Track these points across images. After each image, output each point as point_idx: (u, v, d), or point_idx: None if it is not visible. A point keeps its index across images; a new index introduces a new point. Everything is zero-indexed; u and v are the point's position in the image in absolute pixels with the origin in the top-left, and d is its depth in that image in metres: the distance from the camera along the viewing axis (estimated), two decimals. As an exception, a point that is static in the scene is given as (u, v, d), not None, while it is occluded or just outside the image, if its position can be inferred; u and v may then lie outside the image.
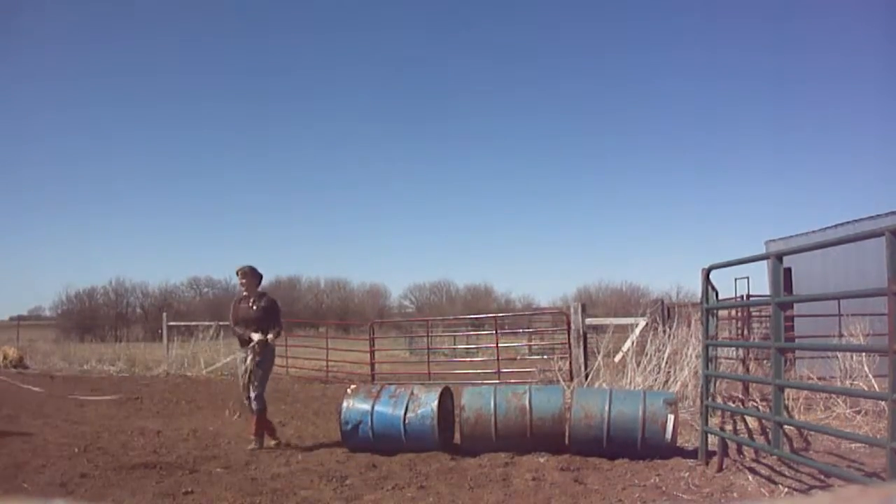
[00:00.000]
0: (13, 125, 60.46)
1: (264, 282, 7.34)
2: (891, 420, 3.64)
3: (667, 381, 8.90)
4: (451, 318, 30.16)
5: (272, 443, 6.83)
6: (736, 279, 13.89)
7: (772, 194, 64.20)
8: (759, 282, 15.30)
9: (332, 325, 23.10)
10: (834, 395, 7.66)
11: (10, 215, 60.28)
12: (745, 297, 12.66)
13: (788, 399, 7.59)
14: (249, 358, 6.72)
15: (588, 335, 11.06)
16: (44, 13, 51.94)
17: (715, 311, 6.93)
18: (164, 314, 20.26)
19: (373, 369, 13.94)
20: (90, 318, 48.49)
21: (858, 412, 7.30)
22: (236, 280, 7.18)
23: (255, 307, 6.85)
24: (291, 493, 4.90)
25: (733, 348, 11.01)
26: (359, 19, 65.24)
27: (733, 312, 13.17)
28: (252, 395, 6.72)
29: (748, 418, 7.40)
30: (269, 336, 6.78)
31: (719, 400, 7.84)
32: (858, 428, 6.73)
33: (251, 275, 6.97)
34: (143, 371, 16.35)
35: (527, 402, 6.18)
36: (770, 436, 5.03)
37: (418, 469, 5.60)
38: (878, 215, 11.48)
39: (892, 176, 45.17)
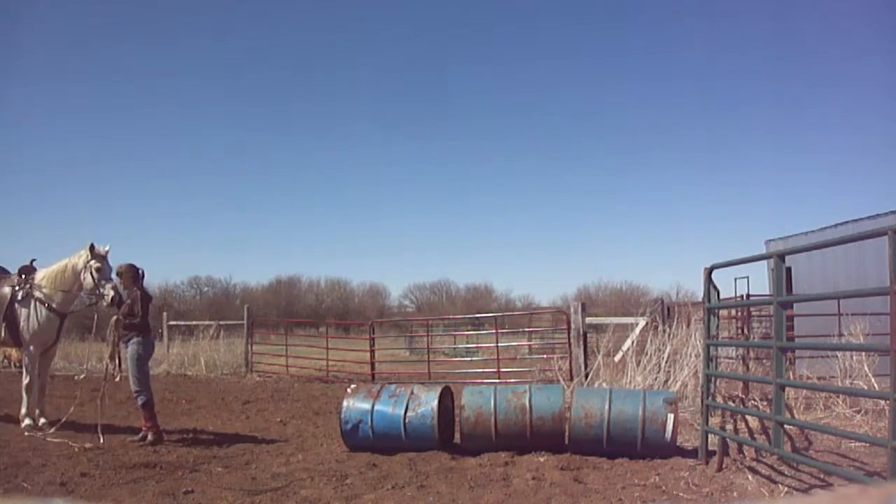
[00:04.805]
0: (12, 124, 60.42)
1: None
2: (891, 419, 3.64)
3: (667, 381, 8.89)
4: (451, 317, 30.19)
5: (136, 437, 6.87)
6: (736, 279, 13.88)
7: (772, 194, 64.15)
8: (758, 281, 15.29)
9: (332, 325, 23.06)
10: (834, 395, 7.65)
11: (9, 215, 60.29)
12: (744, 297, 12.65)
13: (788, 398, 7.58)
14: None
15: (588, 335, 11.05)
16: (41, 14, 51.94)
17: (716, 311, 6.92)
18: (165, 314, 20.28)
19: (373, 369, 13.93)
20: (90, 317, 48.39)
21: (858, 411, 7.30)
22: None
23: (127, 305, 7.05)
24: (291, 493, 4.90)
25: (732, 348, 11.01)
26: (359, 21, 65.26)
27: (733, 312, 13.15)
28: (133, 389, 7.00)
29: (748, 417, 7.40)
30: (113, 318, 7.13)
31: (719, 399, 7.84)
32: (858, 427, 6.73)
33: (124, 273, 7.16)
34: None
35: (527, 402, 6.18)
36: (770, 435, 5.03)
37: (418, 468, 5.60)
38: (878, 215, 11.47)
39: (892, 176, 45.19)
